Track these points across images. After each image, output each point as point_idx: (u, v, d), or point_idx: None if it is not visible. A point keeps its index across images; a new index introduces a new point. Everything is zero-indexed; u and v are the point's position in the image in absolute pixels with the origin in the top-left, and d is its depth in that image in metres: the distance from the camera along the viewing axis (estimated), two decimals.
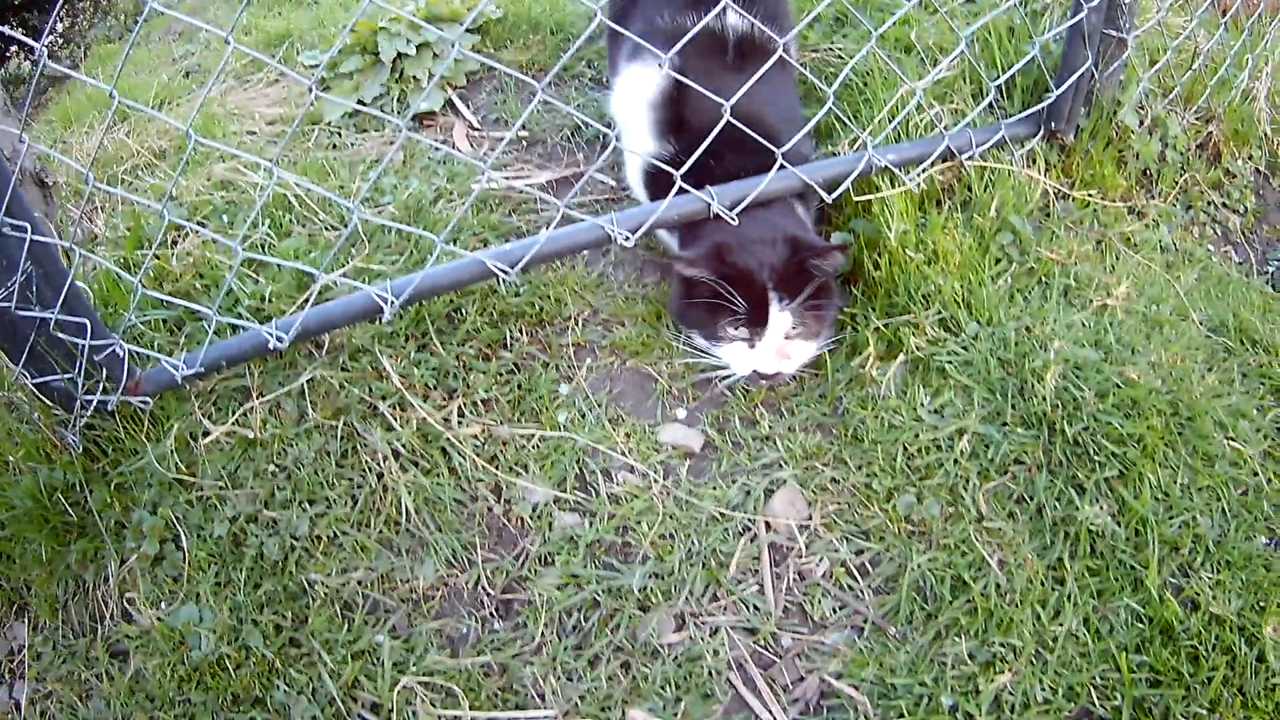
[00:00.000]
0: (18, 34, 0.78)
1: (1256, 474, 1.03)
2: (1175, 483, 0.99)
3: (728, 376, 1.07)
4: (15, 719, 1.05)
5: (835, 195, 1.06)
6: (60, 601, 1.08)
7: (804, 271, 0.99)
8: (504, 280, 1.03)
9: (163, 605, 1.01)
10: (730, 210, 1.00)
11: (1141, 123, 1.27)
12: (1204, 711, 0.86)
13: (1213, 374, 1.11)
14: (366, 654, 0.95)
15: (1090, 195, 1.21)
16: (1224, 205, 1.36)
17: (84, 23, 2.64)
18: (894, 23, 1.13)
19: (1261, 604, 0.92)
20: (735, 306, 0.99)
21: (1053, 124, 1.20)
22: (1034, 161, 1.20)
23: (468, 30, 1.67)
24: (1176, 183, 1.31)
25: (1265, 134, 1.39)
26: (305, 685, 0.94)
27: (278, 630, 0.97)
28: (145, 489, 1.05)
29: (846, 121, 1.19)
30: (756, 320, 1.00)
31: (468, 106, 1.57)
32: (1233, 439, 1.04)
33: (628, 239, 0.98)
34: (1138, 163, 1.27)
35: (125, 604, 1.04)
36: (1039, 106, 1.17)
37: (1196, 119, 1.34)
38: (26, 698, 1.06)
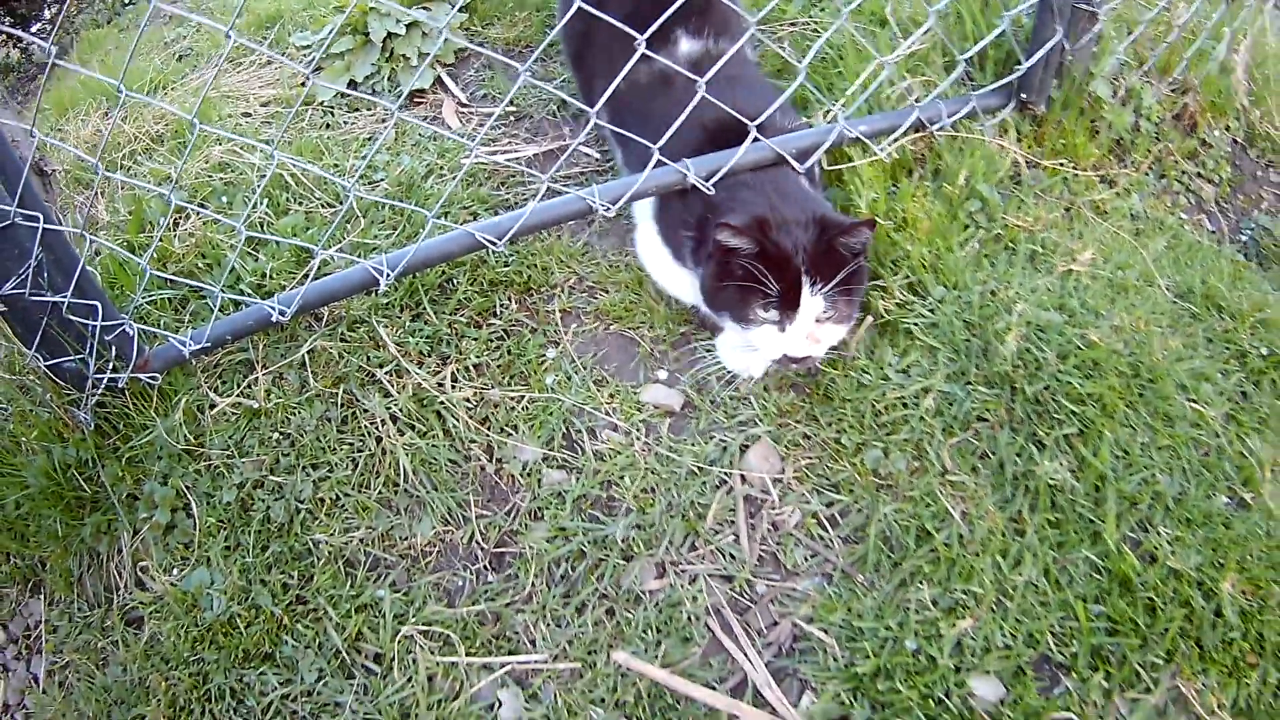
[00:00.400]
0: (23, 33, 0.87)
1: (1218, 435, 1.08)
2: (1135, 441, 1.05)
3: (757, 357, 1.06)
4: (35, 692, 1.13)
5: (807, 165, 1.14)
6: (75, 575, 1.17)
7: (834, 252, 1.00)
8: (492, 251, 1.12)
9: (175, 571, 1.10)
10: (706, 181, 1.09)
11: (1115, 93, 1.35)
12: (1160, 660, 0.92)
13: (1177, 338, 1.18)
14: (369, 607, 1.04)
15: (1061, 164, 1.29)
16: (1199, 175, 1.43)
17: (71, 8, 2.73)
18: None
19: (1221, 560, 0.97)
20: (768, 288, 0.99)
21: (1023, 95, 1.28)
22: (1006, 131, 1.28)
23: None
24: (1150, 152, 1.38)
25: (1243, 105, 1.46)
26: (312, 639, 1.03)
27: (285, 589, 1.06)
28: (156, 461, 1.14)
29: (821, 95, 1.27)
30: (788, 303, 1.01)
31: (456, 83, 1.65)
32: (1194, 401, 1.10)
33: (608, 209, 1.07)
34: (1110, 132, 1.34)
35: (139, 572, 1.13)
36: (1010, 78, 1.25)
37: (1172, 90, 1.42)
38: (44, 670, 1.14)
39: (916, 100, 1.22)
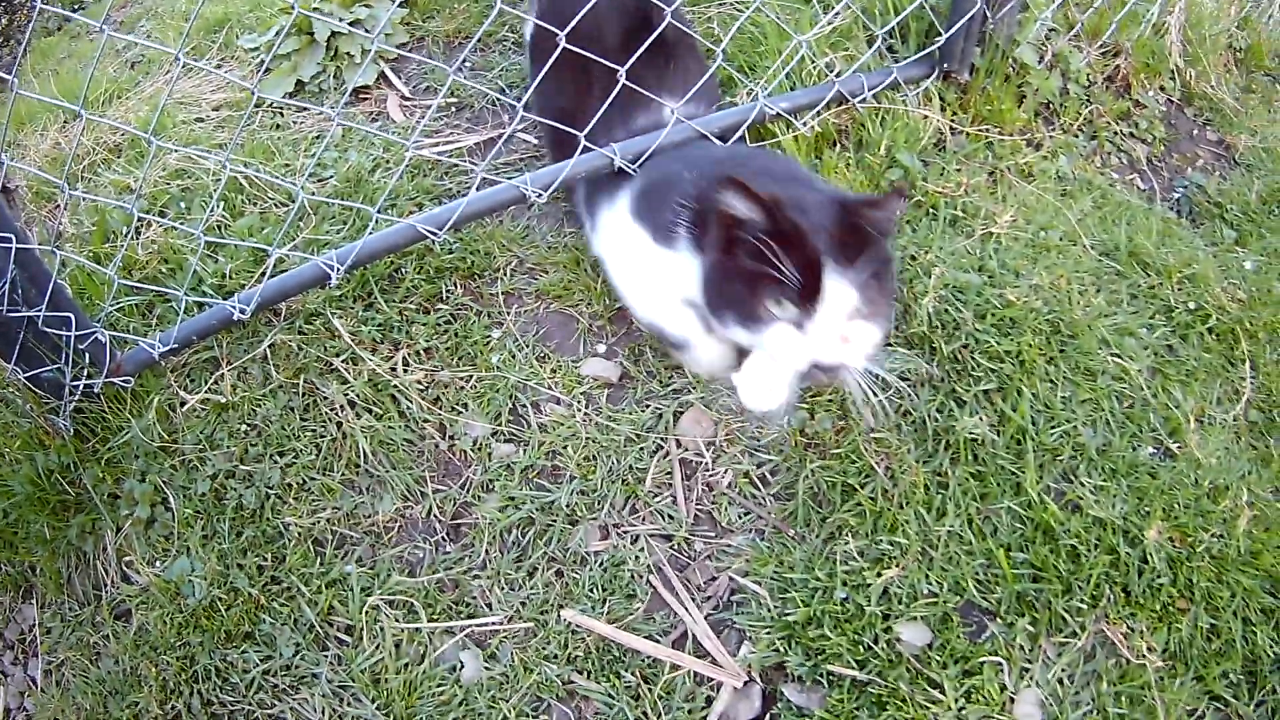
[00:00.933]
0: None
1: (1143, 388, 1.18)
2: (1056, 396, 1.15)
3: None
4: (34, 693, 1.25)
5: (729, 143, 1.28)
6: (64, 576, 1.29)
7: (860, 232, 0.86)
8: (436, 240, 1.27)
9: (158, 563, 1.22)
10: (632, 164, 1.23)
11: (1042, 59, 1.47)
12: (1085, 605, 1.00)
13: (1100, 295, 1.30)
14: (338, 583, 1.17)
15: (985, 130, 1.42)
16: (1131, 135, 1.55)
17: (21, 18, 2.87)
18: None
19: (1146, 509, 1.06)
20: (783, 275, 0.83)
21: (945, 65, 1.41)
22: (930, 100, 1.41)
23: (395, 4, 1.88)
24: (1080, 114, 1.51)
25: (1178, 66, 1.57)
26: (288, 616, 1.16)
27: (260, 570, 1.19)
28: (133, 460, 1.27)
29: (743, 73, 1.40)
30: (809, 292, 0.84)
31: (400, 77, 1.78)
32: (1118, 355, 1.20)
33: (540, 195, 1.22)
34: (1037, 97, 1.47)
35: (124, 567, 1.25)
36: (930, 49, 1.38)
37: (1102, 53, 1.54)
38: (41, 671, 1.26)
39: (838, 75, 1.36)
